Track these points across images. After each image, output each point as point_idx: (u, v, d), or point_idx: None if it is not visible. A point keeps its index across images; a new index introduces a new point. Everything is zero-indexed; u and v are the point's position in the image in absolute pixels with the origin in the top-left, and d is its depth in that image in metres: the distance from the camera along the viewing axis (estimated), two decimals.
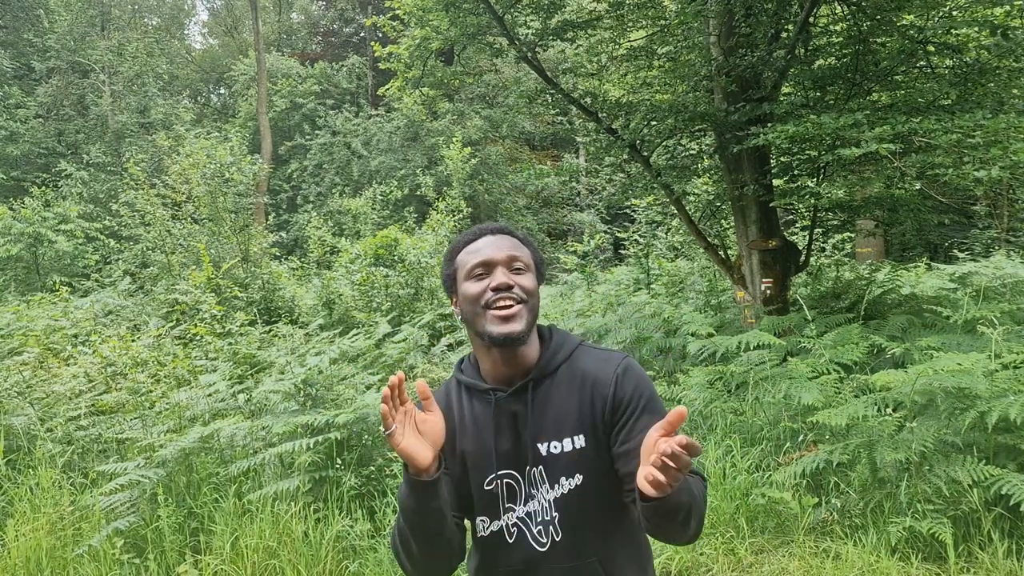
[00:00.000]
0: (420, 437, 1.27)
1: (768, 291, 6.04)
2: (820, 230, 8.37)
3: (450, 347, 7.54)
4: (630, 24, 7.04)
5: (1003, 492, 3.02)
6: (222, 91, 35.41)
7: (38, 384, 5.68)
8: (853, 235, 10.33)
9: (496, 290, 1.32)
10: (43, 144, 23.18)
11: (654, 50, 7.14)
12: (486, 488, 1.37)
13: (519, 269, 1.35)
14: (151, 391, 5.39)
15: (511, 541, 1.38)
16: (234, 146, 13.43)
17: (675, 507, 1.15)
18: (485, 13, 6.53)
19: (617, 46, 7.41)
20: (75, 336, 8.47)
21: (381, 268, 10.18)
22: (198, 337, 7.54)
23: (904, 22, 5.68)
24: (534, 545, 1.37)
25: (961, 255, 11.72)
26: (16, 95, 23.32)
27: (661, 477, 1.02)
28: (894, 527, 3.18)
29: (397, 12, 7.86)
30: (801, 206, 7.34)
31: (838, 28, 6.26)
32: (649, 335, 6.18)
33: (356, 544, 3.53)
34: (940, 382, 3.41)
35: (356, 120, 25.92)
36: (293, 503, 3.61)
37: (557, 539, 1.36)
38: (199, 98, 34.45)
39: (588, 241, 12.42)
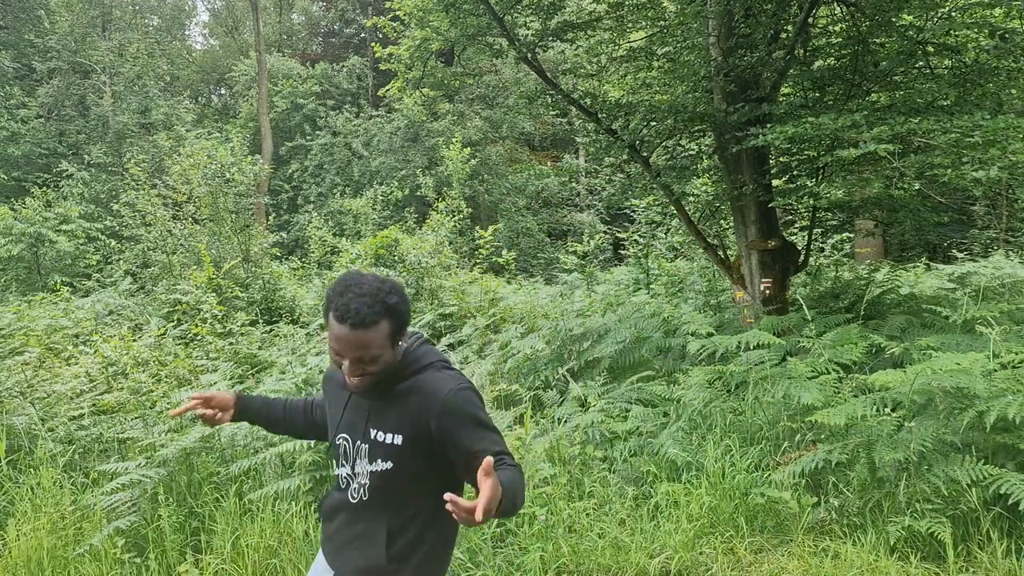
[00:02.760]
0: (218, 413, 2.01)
1: (767, 291, 6.04)
2: (819, 230, 8.38)
3: (451, 346, 7.56)
4: (630, 25, 7.04)
5: (1002, 491, 3.02)
6: (223, 92, 35.43)
7: (39, 384, 5.69)
8: (852, 235, 10.34)
9: (343, 373, 1.72)
10: (44, 144, 23.20)
11: (654, 51, 7.14)
12: (336, 441, 1.89)
13: (365, 362, 1.68)
14: (152, 391, 5.40)
15: (342, 487, 1.86)
16: (235, 146, 13.45)
17: (504, 512, 1.57)
18: (485, 14, 6.54)
19: (617, 47, 7.41)
20: (76, 336, 8.49)
21: (381, 268, 10.19)
22: (199, 337, 7.55)
23: (903, 23, 5.69)
24: (350, 497, 1.84)
25: (960, 255, 11.73)
26: (17, 96, 23.34)
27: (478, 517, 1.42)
28: (893, 526, 3.18)
29: (397, 13, 7.87)
30: (800, 206, 7.35)
31: (837, 29, 6.27)
32: (649, 335, 6.19)
33: None
34: (939, 382, 3.42)
35: (357, 121, 25.94)
36: (294, 502, 3.62)
37: (365, 499, 1.81)
38: (200, 99, 34.47)
39: (588, 241, 12.43)
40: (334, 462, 1.91)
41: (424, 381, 1.78)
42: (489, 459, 1.46)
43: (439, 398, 1.73)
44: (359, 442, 1.82)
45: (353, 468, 1.83)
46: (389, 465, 1.77)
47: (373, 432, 1.79)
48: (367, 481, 1.80)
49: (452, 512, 1.44)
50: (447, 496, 1.43)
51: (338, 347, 1.65)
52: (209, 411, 1.97)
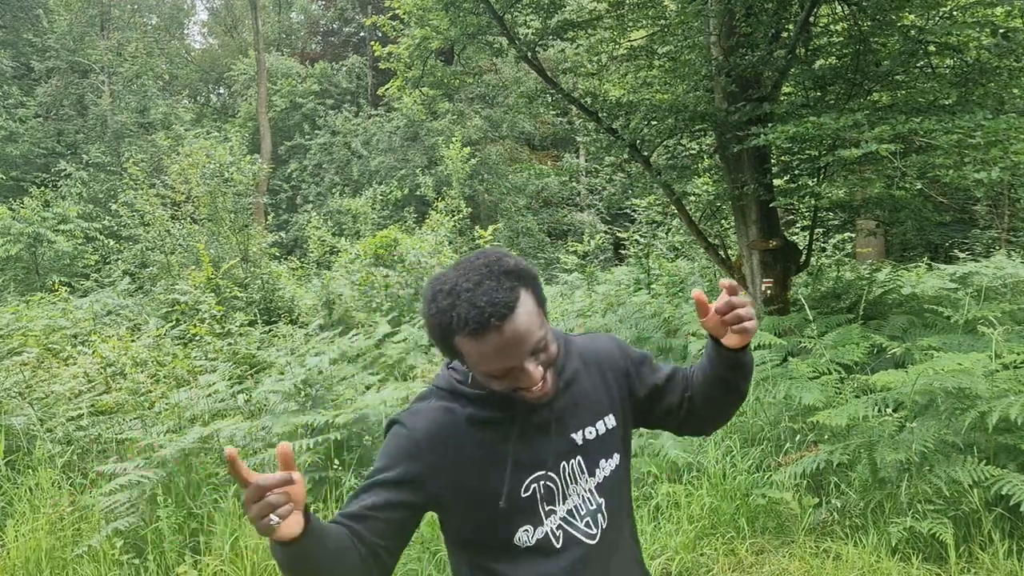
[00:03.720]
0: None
1: (769, 291, 6.03)
2: (820, 230, 8.36)
3: None
4: (630, 24, 7.03)
5: (1003, 492, 3.01)
6: (222, 91, 35.40)
7: (38, 384, 5.67)
8: (854, 235, 10.33)
9: (524, 386, 1.23)
10: (42, 144, 23.16)
11: (654, 50, 7.13)
12: (524, 496, 1.29)
13: (540, 351, 1.22)
14: (151, 391, 5.38)
15: (559, 545, 1.31)
16: (234, 146, 13.43)
17: (750, 360, 1.36)
18: (485, 13, 6.52)
19: (617, 46, 7.40)
20: (75, 336, 8.47)
21: (381, 268, 10.18)
22: (198, 337, 7.53)
23: (905, 22, 5.68)
24: (585, 540, 1.32)
25: (962, 255, 11.72)
26: (16, 95, 23.31)
27: (748, 325, 1.26)
28: (894, 527, 3.17)
29: (397, 12, 7.85)
30: (801, 206, 7.34)
31: (838, 28, 6.26)
32: (649, 335, 6.18)
33: None
34: (940, 382, 3.40)
35: (356, 120, 25.92)
36: None
37: (604, 526, 1.35)
38: (199, 98, 34.44)
39: (588, 241, 12.42)
40: (527, 527, 1.30)
41: (578, 348, 1.42)
42: (730, 282, 1.26)
43: (611, 347, 1.44)
44: (565, 462, 1.33)
45: (565, 507, 1.33)
46: (616, 460, 1.39)
47: (577, 435, 1.34)
48: (600, 500, 1.35)
49: (709, 309, 1.26)
50: (695, 293, 1.25)
51: (503, 359, 1.18)
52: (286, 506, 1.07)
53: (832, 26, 6.32)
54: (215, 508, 3.70)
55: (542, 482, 1.31)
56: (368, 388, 5.12)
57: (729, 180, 6.29)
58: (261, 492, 1.03)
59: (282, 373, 5.19)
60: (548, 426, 1.31)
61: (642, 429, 1.55)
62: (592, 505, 1.34)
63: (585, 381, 1.38)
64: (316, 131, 26.14)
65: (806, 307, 4.72)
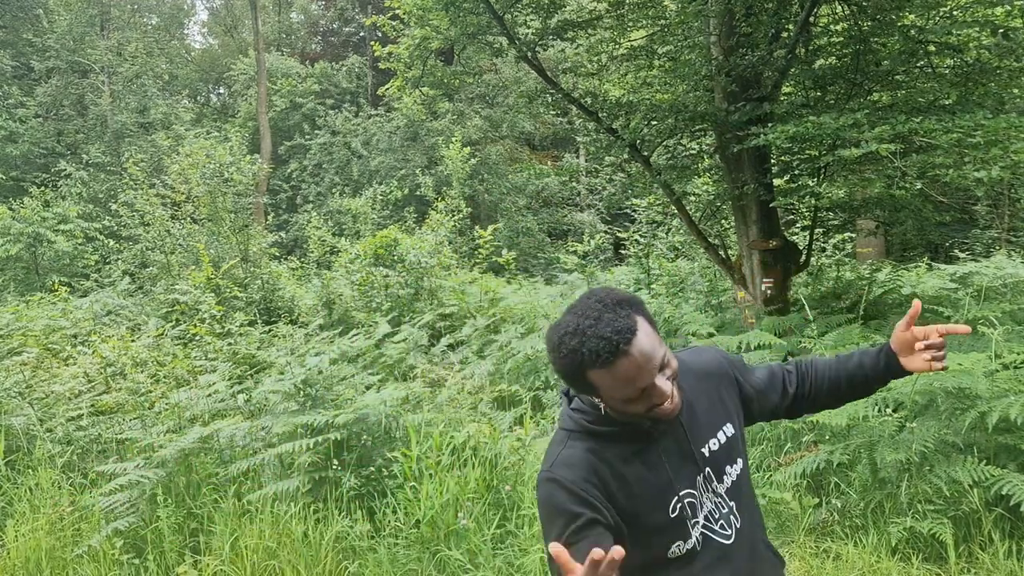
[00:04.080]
0: None
1: (769, 291, 6.03)
2: (820, 230, 8.35)
3: (450, 347, 7.54)
4: (630, 24, 7.03)
5: (1004, 492, 3.01)
6: (222, 91, 35.40)
7: (37, 384, 5.67)
8: (854, 235, 10.32)
9: (659, 402, 1.31)
10: (42, 144, 23.16)
11: (654, 50, 7.13)
12: (672, 516, 1.39)
13: (664, 366, 1.31)
14: (151, 391, 5.38)
15: (700, 549, 1.42)
16: (234, 146, 13.42)
17: None
18: (485, 13, 6.52)
19: (617, 46, 7.40)
20: (74, 336, 8.47)
21: (381, 268, 10.18)
22: (198, 337, 7.53)
23: (905, 22, 5.68)
24: (722, 541, 1.44)
25: (962, 255, 11.71)
26: (15, 95, 23.31)
27: (939, 365, 1.46)
28: (895, 527, 3.17)
29: (397, 12, 7.85)
30: (801, 206, 7.34)
31: (838, 28, 6.25)
32: None
33: (356, 544, 3.52)
34: (941, 382, 3.40)
35: (356, 120, 25.91)
36: (293, 503, 3.60)
37: (739, 525, 1.46)
38: (199, 98, 34.43)
39: (588, 241, 12.41)
40: (679, 542, 1.41)
41: (687, 362, 1.49)
42: (917, 303, 1.49)
43: (719, 358, 1.55)
44: (700, 475, 1.44)
45: (703, 512, 1.43)
46: (740, 464, 1.50)
47: (704, 448, 1.45)
48: (731, 503, 1.47)
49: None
50: (916, 304, 1.49)
51: (637, 379, 1.27)
52: None
53: (832, 26, 6.32)
54: (215, 508, 3.69)
55: (687, 500, 1.41)
56: (368, 388, 5.12)
57: (729, 180, 6.29)
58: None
59: (282, 373, 5.19)
60: (684, 445, 1.43)
61: None
62: (724, 508, 1.46)
63: (703, 396, 1.48)
64: (316, 131, 26.13)
65: (806, 307, 4.72)
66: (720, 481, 1.45)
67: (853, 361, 1.58)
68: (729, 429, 1.49)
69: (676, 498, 1.40)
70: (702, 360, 1.54)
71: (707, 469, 1.44)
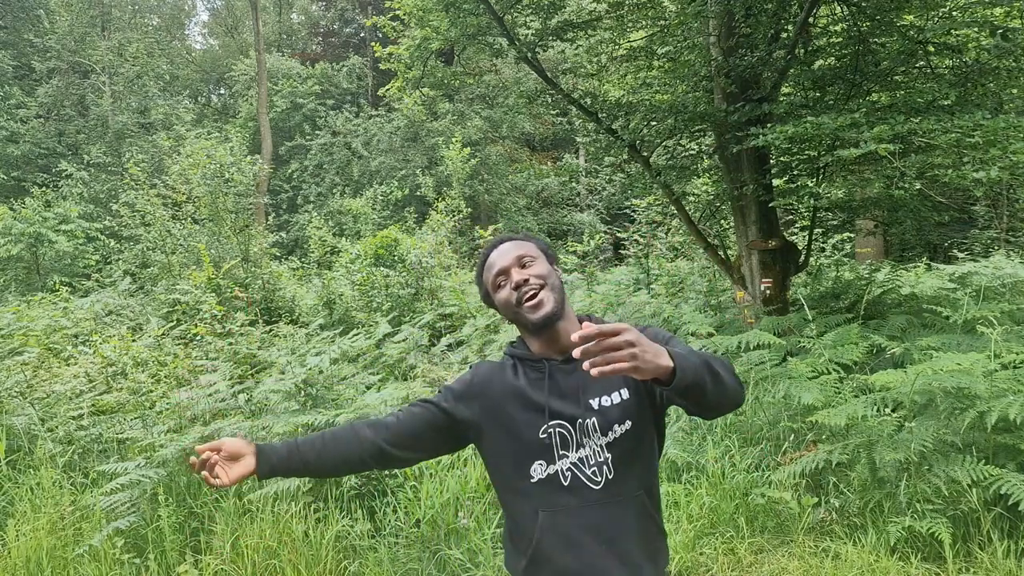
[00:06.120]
0: (233, 464, 1.59)
1: (768, 291, 6.04)
2: (820, 230, 8.37)
3: (450, 347, 7.55)
4: (630, 24, 7.04)
5: (1002, 492, 3.02)
6: (222, 91, 35.43)
7: (39, 384, 5.69)
8: (853, 235, 10.33)
9: (517, 287, 1.61)
10: (43, 144, 23.19)
11: (654, 50, 7.13)
12: (541, 437, 1.61)
13: (527, 263, 1.64)
14: (151, 391, 5.40)
15: (566, 484, 1.59)
16: (234, 146, 13.44)
17: (694, 380, 1.33)
18: (485, 13, 6.53)
19: (617, 46, 7.41)
20: (75, 336, 8.49)
21: (381, 268, 10.19)
22: (198, 337, 7.54)
23: (904, 22, 5.68)
24: (589, 484, 1.59)
25: (961, 255, 11.72)
26: (17, 95, 23.34)
27: (620, 366, 1.21)
28: (893, 527, 3.18)
29: (397, 12, 7.86)
30: (801, 206, 7.34)
31: (838, 28, 6.26)
32: None
33: (356, 544, 3.54)
34: (939, 382, 3.41)
35: (356, 120, 25.94)
36: (293, 503, 3.61)
37: (610, 477, 1.60)
38: (199, 98, 34.46)
39: (588, 241, 12.42)
40: (541, 462, 1.61)
41: (644, 331, 1.63)
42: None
43: (659, 330, 1.65)
44: (581, 420, 1.60)
45: (577, 454, 1.60)
46: (628, 425, 1.61)
47: (595, 401, 1.60)
48: (607, 455, 1.59)
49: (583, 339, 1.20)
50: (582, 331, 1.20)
51: (498, 267, 1.64)
52: (215, 457, 1.58)
53: (831, 27, 6.33)
54: (216, 507, 3.71)
55: (557, 430, 1.61)
56: (368, 388, 5.13)
57: (728, 180, 6.30)
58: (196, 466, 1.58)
59: (283, 373, 5.20)
60: (574, 390, 1.62)
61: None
62: (600, 458, 1.60)
63: None
64: (316, 131, 26.15)
65: (805, 307, 4.73)
66: (604, 435, 1.60)
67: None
68: (625, 393, 1.62)
69: (546, 424, 1.60)
70: (647, 333, 1.64)
71: (593, 419, 1.60)
